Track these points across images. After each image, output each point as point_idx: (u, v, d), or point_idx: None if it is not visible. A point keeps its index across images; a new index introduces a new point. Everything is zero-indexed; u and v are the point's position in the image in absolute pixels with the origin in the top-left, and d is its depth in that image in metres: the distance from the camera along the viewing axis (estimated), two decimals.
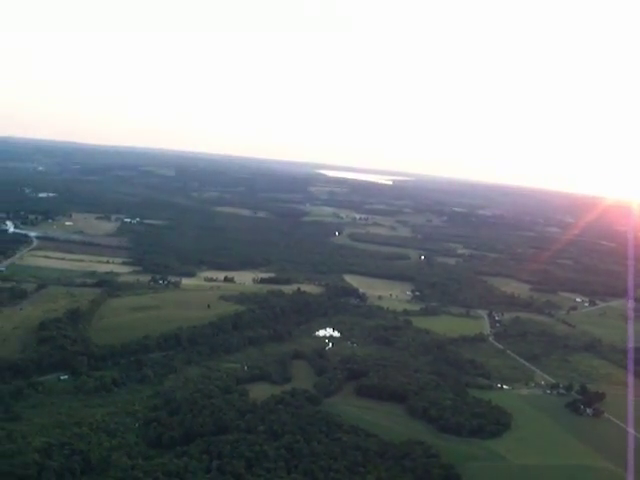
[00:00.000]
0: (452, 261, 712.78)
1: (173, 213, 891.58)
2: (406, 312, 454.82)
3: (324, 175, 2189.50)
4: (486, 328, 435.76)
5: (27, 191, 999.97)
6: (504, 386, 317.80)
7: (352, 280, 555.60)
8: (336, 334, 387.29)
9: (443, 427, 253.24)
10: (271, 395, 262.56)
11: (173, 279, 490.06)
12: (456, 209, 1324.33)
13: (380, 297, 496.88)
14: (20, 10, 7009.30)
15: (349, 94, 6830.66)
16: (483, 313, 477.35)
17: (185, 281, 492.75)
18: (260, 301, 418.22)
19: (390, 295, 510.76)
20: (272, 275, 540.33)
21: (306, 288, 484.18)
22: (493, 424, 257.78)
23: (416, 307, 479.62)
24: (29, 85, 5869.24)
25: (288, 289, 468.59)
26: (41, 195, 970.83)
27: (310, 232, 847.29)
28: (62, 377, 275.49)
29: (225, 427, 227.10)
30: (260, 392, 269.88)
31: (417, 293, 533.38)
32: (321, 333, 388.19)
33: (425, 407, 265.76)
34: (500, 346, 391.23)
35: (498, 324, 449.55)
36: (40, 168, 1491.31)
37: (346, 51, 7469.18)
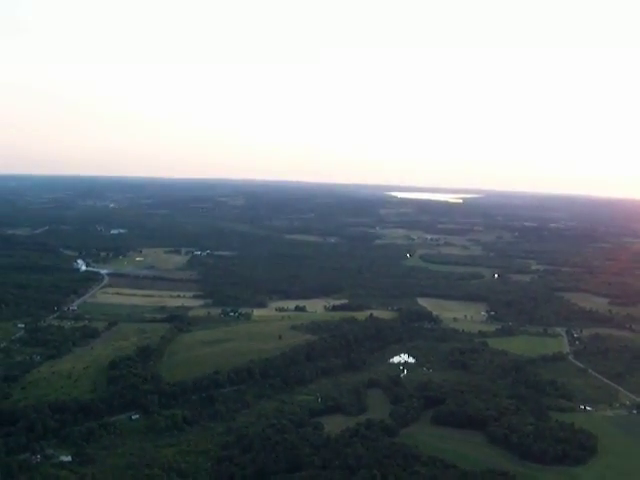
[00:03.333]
0: (527, 278, 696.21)
1: (243, 243, 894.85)
2: (482, 333, 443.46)
3: (394, 197, 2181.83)
4: (565, 346, 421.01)
5: (99, 228, 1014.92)
6: (587, 407, 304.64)
7: (425, 303, 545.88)
8: (411, 360, 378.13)
9: (525, 454, 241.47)
10: (346, 427, 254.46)
11: (244, 311, 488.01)
12: (527, 224, 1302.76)
13: (455, 319, 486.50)
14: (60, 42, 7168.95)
15: (417, 113, 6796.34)
16: (561, 331, 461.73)
17: (256, 312, 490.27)
18: (332, 329, 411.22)
19: (465, 316, 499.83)
20: (344, 302, 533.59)
21: (379, 314, 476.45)
22: (578, 449, 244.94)
23: (492, 328, 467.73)
24: (101, 122, 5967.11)
25: (361, 315, 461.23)
26: (113, 231, 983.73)
27: (382, 255, 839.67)
28: (133, 417, 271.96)
29: (299, 463, 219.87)
30: (335, 424, 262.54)
31: (492, 313, 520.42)
32: (396, 360, 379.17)
33: (505, 433, 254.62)
34: (581, 365, 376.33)
35: (577, 341, 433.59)
36: (112, 205, 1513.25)
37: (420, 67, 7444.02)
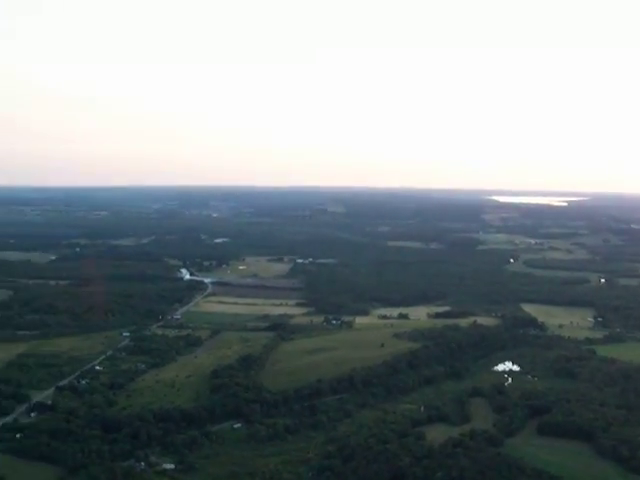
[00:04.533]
0: (635, 282, 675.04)
1: (345, 250, 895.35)
2: (589, 340, 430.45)
3: (495, 201, 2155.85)
4: None
5: (203, 237, 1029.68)
6: None
7: (530, 309, 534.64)
8: (515, 368, 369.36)
9: (635, 467, 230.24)
10: (449, 437, 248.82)
11: (346, 318, 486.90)
12: (635, 226, 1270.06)
13: (560, 325, 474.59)
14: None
15: (508, 117, 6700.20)
16: None
17: (359, 320, 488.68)
18: (435, 337, 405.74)
19: (570, 323, 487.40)
20: (447, 309, 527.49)
21: (482, 320, 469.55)
22: None
23: (599, 334, 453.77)
24: (203, 134, 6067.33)
25: (464, 322, 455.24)
26: (216, 241, 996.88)
27: (485, 261, 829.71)
28: (235, 425, 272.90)
29: (401, 474, 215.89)
30: (437, 434, 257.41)
31: (599, 319, 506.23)
32: (500, 367, 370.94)
33: (614, 445, 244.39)
34: None
35: None
36: (215, 214, 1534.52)
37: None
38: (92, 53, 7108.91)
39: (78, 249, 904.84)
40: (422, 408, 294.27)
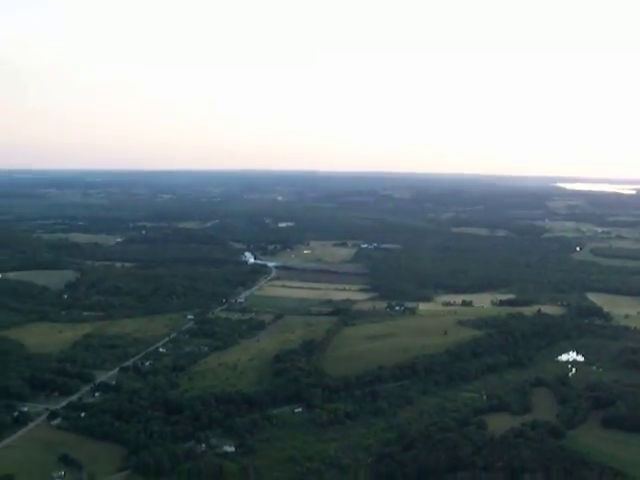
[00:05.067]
0: None
1: (410, 236, 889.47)
2: None
3: (562, 188, 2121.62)
4: None
5: (267, 221, 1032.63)
6: None
7: (595, 298, 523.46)
8: (580, 358, 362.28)
9: None
10: (510, 427, 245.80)
11: (409, 305, 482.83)
12: None
13: (626, 316, 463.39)
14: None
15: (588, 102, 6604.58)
16: None
17: (422, 306, 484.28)
18: (499, 325, 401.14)
19: (637, 313, 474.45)
20: (511, 296, 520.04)
21: (547, 309, 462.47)
22: None
23: None
24: (269, 119, 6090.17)
25: (528, 311, 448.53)
26: (280, 225, 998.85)
27: (550, 249, 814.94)
28: (296, 410, 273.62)
29: (461, 463, 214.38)
30: (499, 424, 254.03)
31: None
32: (564, 358, 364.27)
33: None
34: None
35: None
36: (280, 198, 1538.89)
37: None
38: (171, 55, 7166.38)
39: (144, 231, 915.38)
40: (484, 397, 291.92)
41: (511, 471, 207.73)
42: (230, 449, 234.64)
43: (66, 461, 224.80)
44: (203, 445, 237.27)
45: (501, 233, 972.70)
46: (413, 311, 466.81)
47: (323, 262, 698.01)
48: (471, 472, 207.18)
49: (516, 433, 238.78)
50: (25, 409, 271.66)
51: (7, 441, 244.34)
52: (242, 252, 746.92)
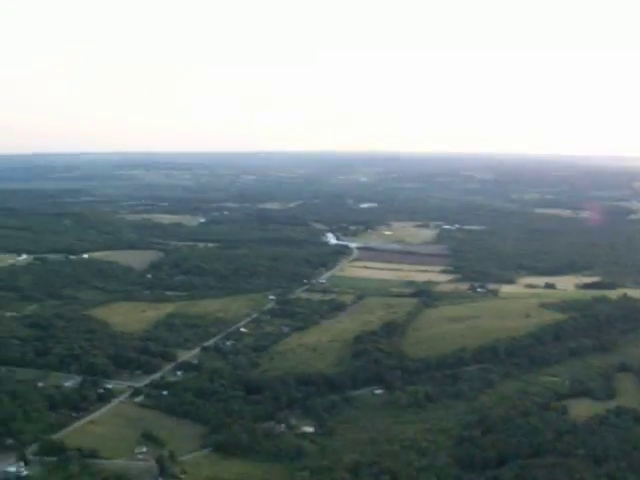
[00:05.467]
0: None
1: (493, 217, 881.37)
2: None
3: None
4: None
5: (349, 202, 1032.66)
6: None
7: None
8: None
9: None
10: (593, 414, 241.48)
11: (492, 287, 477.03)
12: None
13: None
14: None
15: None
16: None
17: (504, 288, 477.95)
18: (583, 308, 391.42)
19: None
20: (596, 279, 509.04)
21: (633, 293, 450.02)
22: None
23: None
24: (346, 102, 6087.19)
25: (613, 294, 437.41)
26: (362, 206, 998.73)
27: (637, 231, 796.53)
28: (376, 392, 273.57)
29: (541, 449, 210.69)
30: (581, 410, 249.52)
31: None
32: None
33: None
34: None
35: None
36: (363, 179, 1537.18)
37: None
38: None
39: (226, 212, 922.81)
40: (566, 381, 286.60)
41: (593, 458, 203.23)
42: (309, 430, 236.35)
43: (148, 438, 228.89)
44: (282, 425, 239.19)
45: (586, 214, 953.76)
46: (495, 293, 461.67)
47: (405, 243, 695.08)
48: (552, 458, 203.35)
49: (599, 420, 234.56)
50: (109, 386, 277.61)
51: (92, 417, 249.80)
52: (324, 233, 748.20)
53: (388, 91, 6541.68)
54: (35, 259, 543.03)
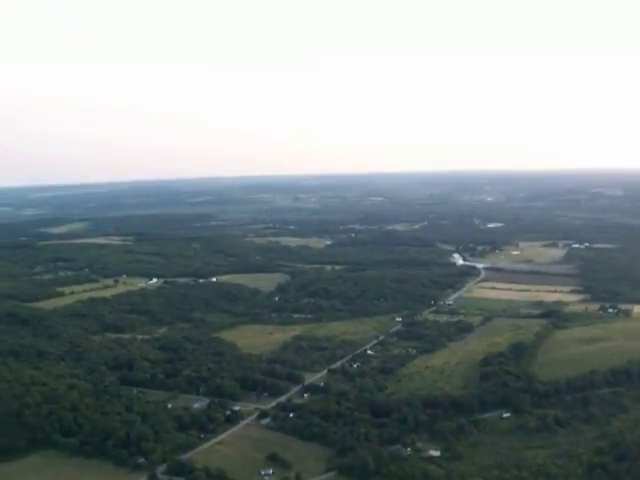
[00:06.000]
0: None
1: (623, 235, 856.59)
2: None
3: None
4: None
5: (476, 222, 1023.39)
6: None
7: None
8: None
9: None
10: None
11: (623, 307, 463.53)
12: None
13: None
14: None
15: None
16: None
17: (637, 309, 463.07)
18: None
19: None
20: None
21: None
22: None
23: None
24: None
25: None
26: (489, 225, 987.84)
27: None
28: (504, 415, 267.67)
29: None
30: None
31: None
32: None
33: None
34: None
35: None
36: (489, 199, 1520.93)
37: None
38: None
39: (353, 234, 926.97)
40: None
41: None
42: (436, 453, 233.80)
43: (274, 460, 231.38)
44: (409, 449, 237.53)
45: None
46: (627, 313, 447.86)
47: (533, 263, 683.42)
48: None
49: None
50: (237, 408, 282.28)
51: (219, 438, 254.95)
52: (450, 254, 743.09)
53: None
54: (165, 283, 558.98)
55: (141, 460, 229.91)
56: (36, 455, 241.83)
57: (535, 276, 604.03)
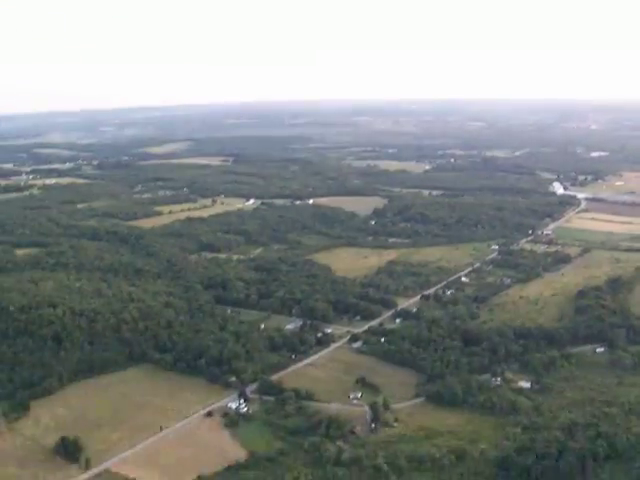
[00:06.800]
0: None
1: None
2: None
3: None
4: None
5: (579, 151, 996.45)
6: None
7: None
8: None
9: None
10: None
11: None
12: None
13: None
14: None
15: None
16: None
17: None
18: None
19: None
20: None
21: None
22: None
23: None
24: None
25: None
26: (593, 154, 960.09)
27: None
28: (598, 350, 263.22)
29: None
30: None
31: None
32: None
33: None
34: None
35: None
36: (594, 127, 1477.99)
37: None
38: None
39: (452, 159, 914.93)
40: None
41: None
42: (525, 385, 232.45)
43: (363, 384, 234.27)
44: (498, 379, 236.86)
45: None
46: None
47: (636, 195, 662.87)
48: None
49: None
50: (328, 331, 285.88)
51: (310, 360, 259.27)
52: (551, 182, 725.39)
53: None
54: (262, 204, 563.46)
55: (232, 379, 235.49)
56: (133, 369, 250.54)
57: (638, 208, 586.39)
